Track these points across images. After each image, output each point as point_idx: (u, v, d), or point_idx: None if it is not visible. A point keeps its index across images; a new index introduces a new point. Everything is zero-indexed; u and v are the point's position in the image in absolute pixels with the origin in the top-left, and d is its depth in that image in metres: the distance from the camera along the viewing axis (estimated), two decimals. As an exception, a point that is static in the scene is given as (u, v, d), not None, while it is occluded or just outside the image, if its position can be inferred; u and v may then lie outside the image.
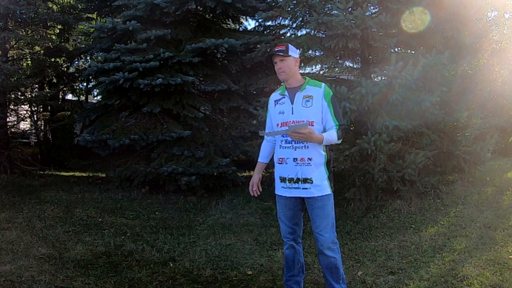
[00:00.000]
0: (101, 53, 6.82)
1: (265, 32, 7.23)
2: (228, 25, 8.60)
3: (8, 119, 8.08)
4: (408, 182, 4.92)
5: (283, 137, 2.61)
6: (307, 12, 5.82)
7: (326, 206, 2.57)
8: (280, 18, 6.30)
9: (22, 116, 8.56)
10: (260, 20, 7.17)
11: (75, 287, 3.05)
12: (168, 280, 3.24)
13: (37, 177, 7.54)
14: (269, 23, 7.00)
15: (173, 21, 6.81)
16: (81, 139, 6.75)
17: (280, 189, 2.67)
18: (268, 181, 5.04)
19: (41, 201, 5.70)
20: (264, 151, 2.87)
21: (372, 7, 5.58)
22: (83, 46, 9.63)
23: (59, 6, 9.05)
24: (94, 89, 8.87)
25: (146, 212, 5.47)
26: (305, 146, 2.53)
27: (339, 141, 2.63)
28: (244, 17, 8.43)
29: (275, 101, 2.74)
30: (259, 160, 2.89)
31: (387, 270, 3.34)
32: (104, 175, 7.87)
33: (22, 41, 8.07)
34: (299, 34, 6.38)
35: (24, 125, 9.63)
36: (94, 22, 9.36)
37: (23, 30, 8.00)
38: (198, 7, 6.94)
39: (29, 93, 8.88)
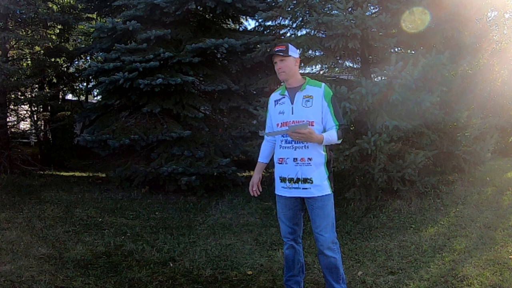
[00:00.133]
0: (101, 53, 6.82)
1: (265, 32, 7.23)
2: (228, 25, 8.60)
3: (8, 119, 8.08)
4: (408, 182, 4.92)
5: (283, 137, 2.61)
6: (307, 12, 5.82)
7: (326, 206, 2.57)
8: (280, 18, 6.30)
9: (22, 116, 8.56)
10: (260, 20, 7.18)
11: (75, 287, 3.05)
12: (168, 280, 3.24)
13: (37, 177, 7.54)
14: (269, 23, 7.01)
15: (173, 21, 6.81)
16: (81, 139, 6.75)
17: (280, 189, 2.67)
18: (268, 181, 5.04)
19: (41, 201, 5.70)
20: (264, 151, 2.87)
21: (372, 7, 5.58)
22: (83, 46, 9.64)
23: (59, 6, 9.05)
24: (94, 89, 8.87)
25: (146, 212, 5.47)
26: (305, 146, 2.53)
27: (339, 141, 2.63)
28: (244, 17, 8.43)
29: (275, 101, 2.74)
30: (259, 160, 2.89)
31: (387, 270, 3.34)
32: (104, 175, 7.87)
33: (22, 41, 8.07)
34: (299, 34, 6.38)
35: (24, 125, 9.63)
36: (94, 22, 9.36)
37: (23, 30, 8.00)
38: (198, 7, 6.94)
39: (29, 93, 8.88)
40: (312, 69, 6.48)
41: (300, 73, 2.77)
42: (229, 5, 6.62)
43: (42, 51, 8.56)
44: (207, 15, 7.62)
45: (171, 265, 3.56)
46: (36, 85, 9.19)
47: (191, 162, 6.21)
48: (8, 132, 8.18)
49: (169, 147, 6.52)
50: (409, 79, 4.47)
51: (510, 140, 9.70)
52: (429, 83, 4.69)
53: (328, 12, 5.53)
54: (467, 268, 3.21)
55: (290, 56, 2.63)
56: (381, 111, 4.73)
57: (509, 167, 7.48)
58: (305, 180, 2.54)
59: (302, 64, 5.91)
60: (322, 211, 2.56)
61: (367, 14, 4.92)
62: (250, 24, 22.81)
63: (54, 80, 9.48)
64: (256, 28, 7.61)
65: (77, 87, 11.14)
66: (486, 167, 6.01)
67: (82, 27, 9.45)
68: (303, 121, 2.53)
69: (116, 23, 6.42)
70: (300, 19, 6.24)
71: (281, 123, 2.64)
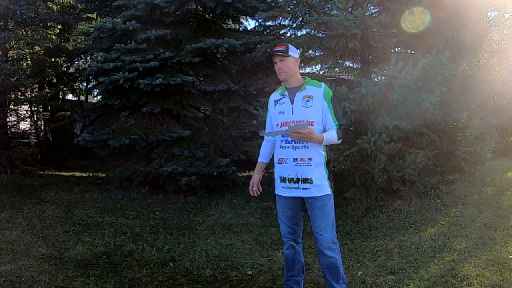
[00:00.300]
0: (101, 53, 6.82)
1: (265, 32, 7.23)
2: (228, 25, 8.60)
3: (8, 119, 8.08)
4: (408, 182, 4.92)
5: (283, 137, 2.61)
6: (307, 12, 5.82)
7: (326, 206, 2.57)
8: (280, 18, 6.30)
9: (22, 116, 8.56)
10: (260, 20, 7.18)
11: (75, 287, 3.05)
12: (168, 280, 3.24)
13: (37, 177, 7.54)
14: (269, 23, 7.00)
15: (173, 21, 6.81)
16: (81, 139, 6.75)
17: (280, 189, 2.67)
18: (268, 181, 5.04)
19: (41, 201, 5.70)
20: (264, 151, 2.87)
21: (372, 7, 5.58)
22: (83, 46, 9.64)
23: (59, 6, 9.05)
24: (94, 89, 8.87)
25: (146, 212, 5.47)
26: (305, 146, 2.53)
27: (339, 141, 2.63)
28: (244, 17, 8.43)
29: (275, 101, 2.74)
30: (259, 160, 2.89)
31: (387, 270, 3.34)
32: (104, 175, 7.87)
33: (22, 41, 8.06)
34: (299, 34, 6.38)
35: (24, 125, 9.63)
36: (94, 22, 9.36)
37: (23, 30, 8.00)
38: (198, 7, 6.94)
39: (29, 93, 8.88)
40: (312, 69, 6.48)
41: (300, 73, 2.77)
42: (229, 5, 6.62)
43: (42, 51, 8.56)
44: (207, 15, 7.62)
45: (171, 265, 3.56)
46: (36, 85, 9.19)
47: (191, 162, 6.21)
48: (8, 132, 8.18)
49: (169, 147, 6.52)
50: (409, 79, 4.47)
51: (510, 140, 9.70)
52: (429, 83, 4.69)
53: (328, 12, 5.53)
54: (467, 268, 3.21)
55: (290, 56, 2.63)
56: (381, 111, 4.73)
57: (509, 167, 7.48)
58: (305, 180, 2.54)
59: (302, 64, 5.91)
60: (322, 211, 2.56)
61: (367, 14, 4.92)
62: (250, 24, 22.83)
63: (54, 80, 9.48)
64: (256, 28, 7.61)
65: (77, 87, 11.14)
66: (486, 167, 6.01)
67: (82, 27, 9.45)
68: (303, 121, 2.53)
69: (116, 23, 6.42)
70: (300, 19, 6.24)
71: (281, 123, 2.64)
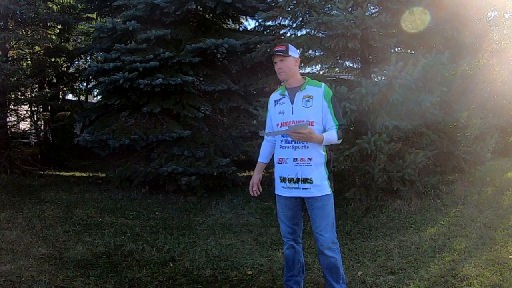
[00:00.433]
0: (101, 53, 6.82)
1: (265, 32, 7.23)
2: (228, 25, 8.60)
3: (8, 119, 8.08)
4: (408, 182, 4.92)
5: (283, 137, 2.61)
6: (307, 12, 5.82)
7: (326, 206, 2.57)
8: (280, 18, 6.30)
9: (22, 116, 8.56)
10: (260, 20, 7.17)
11: (75, 287, 3.05)
12: (168, 280, 3.24)
13: (37, 177, 7.54)
14: (269, 23, 7.00)
15: (173, 21, 6.81)
16: (81, 139, 6.75)
17: (280, 189, 2.67)
18: (268, 181, 5.04)
19: (41, 201, 5.70)
20: (264, 151, 2.87)
21: (372, 7, 5.58)
22: (83, 46, 9.64)
23: (59, 6, 9.05)
24: (94, 89, 8.87)
25: (146, 212, 5.47)
26: (305, 146, 2.53)
27: (339, 141, 2.63)
28: (244, 17, 8.43)
29: (275, 101, 2.74)
30: (259, 160, 2.89)
31: (387, 270, 3.34)
32: (104, 175, 7.87)
33: (22, 41, 8.06)
34: (299, 34, 6.38)
35: (24, 125, 9.63)
36: (94, 22, 9.36)
37: (23, 30, 8.00)
38: (198, 7, 6.94)
39: (29, 93, 8.88)
40: (312, 69, 6.48)
41: (300, 73, 2.77)
42: (229, 5, 6.62)
43: (42, 51, 8.56)
44: (207, 15, 7.62)
45: (171, 265, 3.56)
46: (36, 85, 9.19)
47: (191, 162, 6.21)
48: (8, 132, 8.18)
49: (169, 147, 6.52)
50: (409, 79, 4.47)
51: (510, 140, 9.70)
52: (429, 83, 4.69)
53: (328, 12, 5.53)
54: (467, 268, 3.21)
55: (290, 56, 2.63)
56: (381, 111, 4.73)
57: (509, 167, 7.48)
58: (305, 180, 2.54)
59: (302, 64, 5.91)
60: (322, 211, 2.56)
61: (367, 14, 4.92)
62: (250, 24, 22.82)
63: (54, 80, 9.48)
64: (256, 28, 7.61)
65: (77, 87, 11.14)
66: (486, 167, 6.01)
67: (82, 27, 9.45)
68: (303, 121, 2.53)
69: (116, 23, 6.42)
70: (300, 19, 6.24)
71: (281, 123, 2.64)
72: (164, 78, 6.15)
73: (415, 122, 4.75)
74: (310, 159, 2.53)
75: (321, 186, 2.54)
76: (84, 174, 8.38)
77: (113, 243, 4.09)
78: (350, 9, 5.03)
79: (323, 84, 2.66)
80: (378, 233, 4.28)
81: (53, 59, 8.81)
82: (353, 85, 4.93)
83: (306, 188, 2.55)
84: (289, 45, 2.66)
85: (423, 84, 4.66)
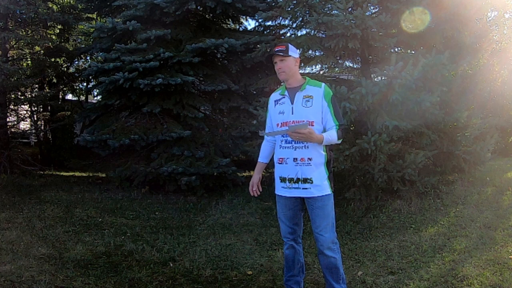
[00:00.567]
0: (101, 53, 6.82)
1: (265, 32, 7.23)
2: (228, 25, 8.60)
3: (8, 119, 8.08)
4: (408, 182, 4.92)
5: (283, 137, 2.61)
6: (307, 12, 5.82)
7: (326, 206, 2.57)
8: (280, 18, 6.30)
9: (22, 116, 8.56)
10: (260, 20, 7.18)
11: (75, 287, 3.05)
12: (168, 280, 3.24)
13: (37, 177, 7.54)
14: (269, 23, 7.00)
15: (173, 21, 6.81)
16: (81, 139, 6.75)
17: (280, 189, 2.67)
18: (268, 181, 5.04)
19: (41, 201, 5.70)
20: (264, 151, 2.87)
21: (372, 7, 5.58)
22: (83, 46, 9.64)
23: (59, 6, 9.05)
24: (94, 89, 8.87)
25: (146, 212, 5.47)
26: (305, 146, 2.53)
27: (339, 141, 2.63)
28: (244, 17, 8.43)
29: (275, 101, 2.74)
30: (259, 160, 2.89)
31: (387, 270, 3.34)
32: (104, 175, 7.87)
33: (22, 41, 8.06)
34: (299, 34, 6.38)
35: (24, 125, 9.63)
36: (94, 22, 9.36)
37: (23, 30, 8.00)
38: (198, 7, 6.94)
39: (29, 93, 8.88)
40: (312, 69, 6.48)
41: (300, 73, 2.77)
42: (229, 5, 6.62)
43: (42, 51, 8.56)
44: (207, 15, 7.62)
45: (171, 265, 3.56)
46: (36, 85, 9.19)
47: (191, 162, 6.21)
48: (8, 132, 8.18)
49: (169, 147, 6.52)
50: (409, 79, 4.47)
51: (510, 140, 9.70)
52: (429, 83, 4.69)
53: (328, 12, 5.53)
54: (467, 268, 3.21)
55: (290, 56, 2.63)
56: (381, 111, 4.73)
57: (509, 167, 7.48)
58: (305, 180, 2.54)
59: (302, 64, 5.91)
60: (322, 211, 2.56)
61: (367, 14, 4.92)
62: (250, 24, 22.82)
63: (54, 80, 9.48)
64: (256, 28, 7.61)
65: (77, 87, 11.14)
66: (486, 167, 6.01)
67: (82, 27, 9.45)
68: (303, 121, 2.53)
69: (116, 23, 6.42)
70: (300, 19, 6.24)
71: (281, 123, 2.64)
72: (164, 78, 6.15)
73: (415, 122, 4.75)
74: (310, 159, 2.53)
75: (321, 186, 2.54)
76: (84, 174, 8.38)
77: (113, 243, 4.09)
78: (350, 9, 5.03)
79: (323, 84, 2.66)
80: (378, 233, 4.28)
81: (53, 59, 8.81)
82: (353, 85, 4.93)
83: (306, 188, 2.55)
84: (289, 45, 2.66)
85: (423, 84, 4.66)
